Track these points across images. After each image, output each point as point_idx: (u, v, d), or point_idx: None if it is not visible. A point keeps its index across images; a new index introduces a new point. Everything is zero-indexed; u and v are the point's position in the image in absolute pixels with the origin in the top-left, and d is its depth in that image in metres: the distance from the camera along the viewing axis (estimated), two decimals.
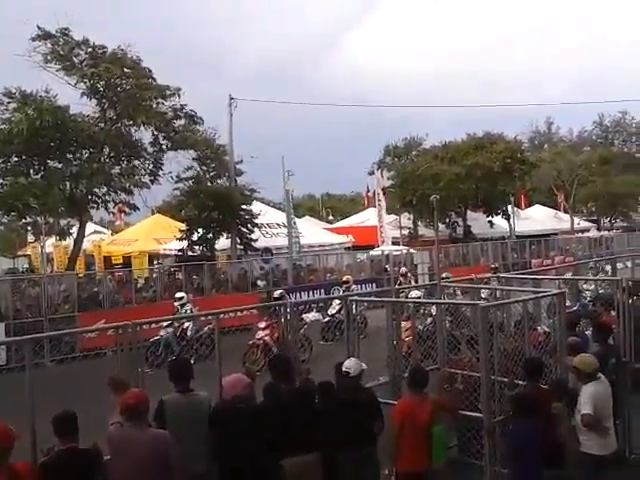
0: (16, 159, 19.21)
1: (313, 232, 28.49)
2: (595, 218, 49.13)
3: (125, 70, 19.93)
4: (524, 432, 5.22)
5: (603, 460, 5.54)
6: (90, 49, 19.80)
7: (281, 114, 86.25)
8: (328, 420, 5.68)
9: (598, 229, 45.81)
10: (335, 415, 5.66)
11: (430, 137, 39.31)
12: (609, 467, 5.61)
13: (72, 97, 19.86)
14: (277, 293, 15.00)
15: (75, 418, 4.64)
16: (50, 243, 27.12)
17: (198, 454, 5.15)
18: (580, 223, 45.14)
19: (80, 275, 20.42)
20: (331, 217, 49.54)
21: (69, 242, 22.90)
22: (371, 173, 36.67)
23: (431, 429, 5.61)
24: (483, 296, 8.88)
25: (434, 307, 8.34)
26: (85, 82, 19.58)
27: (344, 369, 5.99)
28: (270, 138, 76.41)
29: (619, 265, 17.20)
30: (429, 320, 9.06)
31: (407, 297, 11.11)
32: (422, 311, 9.23)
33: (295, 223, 23.94)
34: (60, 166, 19.90)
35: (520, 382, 6.11)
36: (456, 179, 32.11)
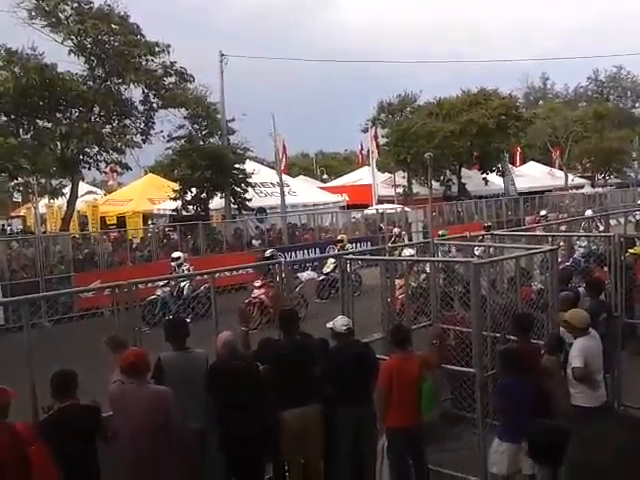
0: (5, 119, 18.93)
1: (307, 191, 28.38)
2: (589, 175, 49.00)
3: (113, 26, 19.46)
4: (511, 388, 5.25)
5: (593, 412, 5.68)
6: (76, 4, 19.27)
7: (272, 70, 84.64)
8: (331, 375, 5.75)
9: (592, 186, 45.76)
10: (340, 371, 5.71)
11: (424, 93, 38.78)
12: (598, 419, 5.74)
13: (60, 55, 19.48)
14: (268, 253, 14.99)
15: (74, 376, 4.67)
16: (43, 204, 26.96)
17: (196, 410, 5.24)
18: (574, 180, 45.04)
19: (75, 235, 20.36)
20: (326, 176, 49.22)
21: (62, 202, 22.77)
22: (365, 130, 36.32)
23: (420, 385, 5.69)
24: (477, 253, 8.93)
25: (428, 265, 8.39)
26: (72, 39, 19.14)
27: (344, 327, 5.88)
28: (262, 96, 75.28)
29: (612, 222, 17.30)
30: (422, 277, 9.12)
31: (400, 255, 11.21)
32: (416, 268, 9.28)
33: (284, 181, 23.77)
34: (50, 125, 19.62)
35: (512, 337, 6.20)
36: (450, 136, 31.87)
